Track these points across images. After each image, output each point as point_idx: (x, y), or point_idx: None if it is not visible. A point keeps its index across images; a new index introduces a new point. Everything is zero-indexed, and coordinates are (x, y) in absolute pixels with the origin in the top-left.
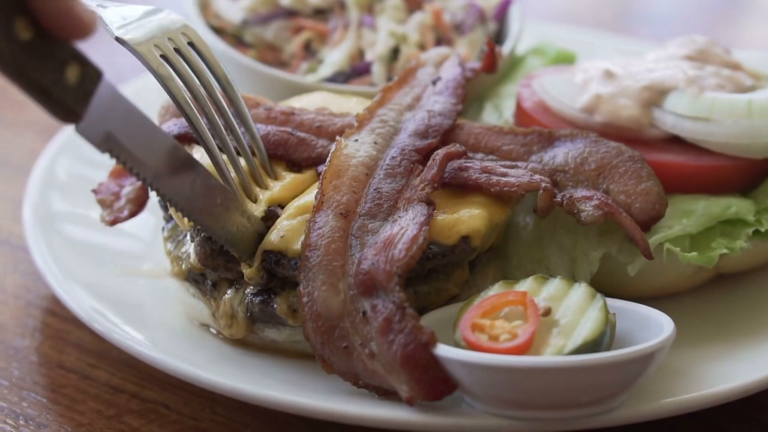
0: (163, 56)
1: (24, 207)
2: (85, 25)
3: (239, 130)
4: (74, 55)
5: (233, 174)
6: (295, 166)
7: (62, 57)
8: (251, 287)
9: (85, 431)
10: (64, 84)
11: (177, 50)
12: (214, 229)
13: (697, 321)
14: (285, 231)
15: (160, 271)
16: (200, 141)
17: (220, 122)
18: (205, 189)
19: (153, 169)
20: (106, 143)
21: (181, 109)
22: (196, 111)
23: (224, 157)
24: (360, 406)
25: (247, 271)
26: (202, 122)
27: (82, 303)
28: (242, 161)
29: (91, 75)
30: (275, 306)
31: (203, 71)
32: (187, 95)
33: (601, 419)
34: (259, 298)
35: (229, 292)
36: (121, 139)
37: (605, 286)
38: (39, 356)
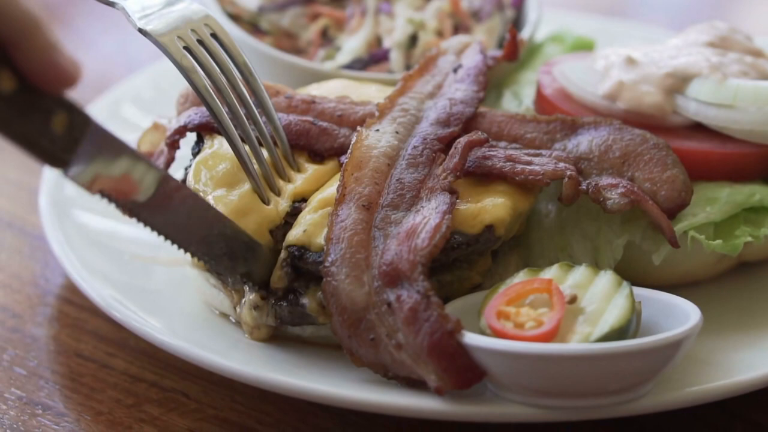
0: (185, 48)
1: (40, 196)
2: (69, 76)
3: (261, 120)
4: (60, 103)
5: (256, 166)
6: (317, 156)
7: (48, 107)
8: (275, 295)
9: (104, 420)
10: (50, 134)
11: (200, 41)
12: (212, 260)
13: (720, 309)
14: (308, 225)
15: (178, 259)
16: (223, 133)
17: (242, 113)
18: (203, 221)
19: (146, 204)
20: (95, 185)
21: (204, 101)
22: (218, 102)
23: (247, 148)
24: (384, 395)
25: (273, 278)
26: (225, 113)
27: (100, 291)
28: (265, 153)
29: (79, 121)
30: (305, 304)
31: (225, 62)
32: (210, 87)
33: (628, 407)
34: (285, 301)
35: (249, 299)
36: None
37: (627, 273)
38: (56, 345)
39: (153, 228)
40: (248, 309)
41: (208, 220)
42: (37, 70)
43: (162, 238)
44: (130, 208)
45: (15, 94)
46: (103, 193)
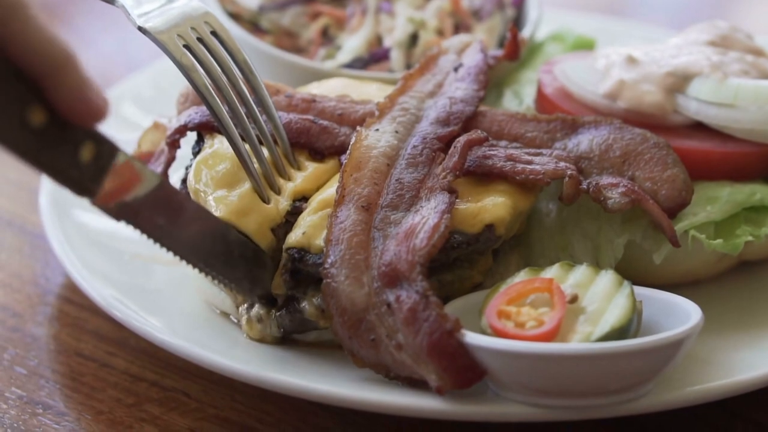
0: (185, 46)
1: (41, 195)
2: (99, 112)
3: (262, 119)
4: (88, 134)
5: (256, 165)
6: (318, 154)
7: (76, 138)
8: (275, 305)
9: (105, 419)
10: (78, 164)
11: (199, 39)
12: (232, 282)
13: (721, 308)
14: (307, 227)
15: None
16: (223, 132)
17: (242, 112)
18: (224, 244)
19: (169, 232)
20: (122, 213)
21: (204, 100)
22: (218, 101)
23: (247, 147)
24: (385, 394)
25: (273, 284)
26: (225, 112)
27: (100, 290)
28: (265, 151)
29: (106, 151)
30: (304, 310)
31: (225, 60)
32: (210, 85)
33: (628, 407)
34: (285, 310)
35: (254, 312)
36: (136, 207)
37: (627, 273)
38: (57, 344)
39: (176, 252)
40: (254, 322)
41: (228, 243)
42: (68, 105)
43: (185, 262)
44: (156, 233)
45: (45, 127)
46: (128, 221)
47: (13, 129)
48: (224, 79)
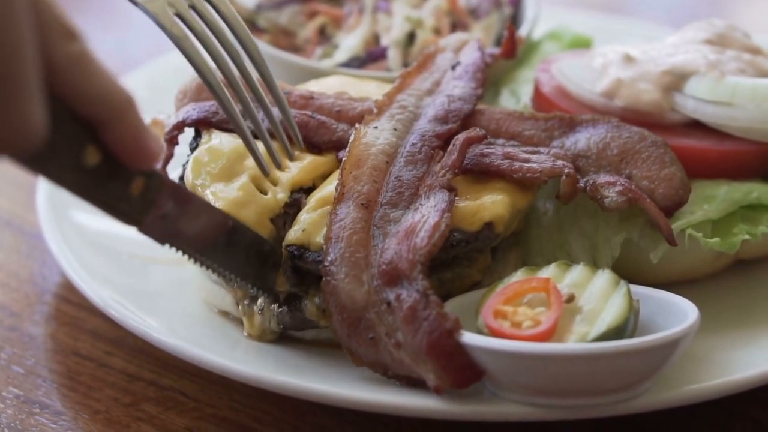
0: (177, 15)
1: (38, 194)
2: (153, 156)
3: (262, 93)
4: (139, 170)
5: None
6: (315, 148)
7: (127, 175)
8: (277, 300)
9: (102, 419)
10: (129, 198)
11: (192, 7)
12: (266, 291)
13: (718, 307)
14: (306, 224)
15: (178, 258)
16: (223, 110)
17: (244, 89)
18: (259, 256)
19: (211, 252)
20: (167, 238)
21: (196, 70)
22: (213, 73)
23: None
24: (383, 394)
25: (278, 281)
26: (221, 83)
27: (98, 290)
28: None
29: (155, 183)
30: (305, 309)
31: (221, 29)
32: (212, 65)
33: (626, 406)
34: (286, 307)
35: (256, 306)
36: (180, 231)
37: (624, 271)
38: (54, 344)
39: (215, 269)
40: (256, 314)
41: (263, 254)
42: (124, 150)
43: (229, 278)
44: (196, 259)
45: (98, 167)
46: (172, 244)
47: (69, 170)
48: (222, 52)
